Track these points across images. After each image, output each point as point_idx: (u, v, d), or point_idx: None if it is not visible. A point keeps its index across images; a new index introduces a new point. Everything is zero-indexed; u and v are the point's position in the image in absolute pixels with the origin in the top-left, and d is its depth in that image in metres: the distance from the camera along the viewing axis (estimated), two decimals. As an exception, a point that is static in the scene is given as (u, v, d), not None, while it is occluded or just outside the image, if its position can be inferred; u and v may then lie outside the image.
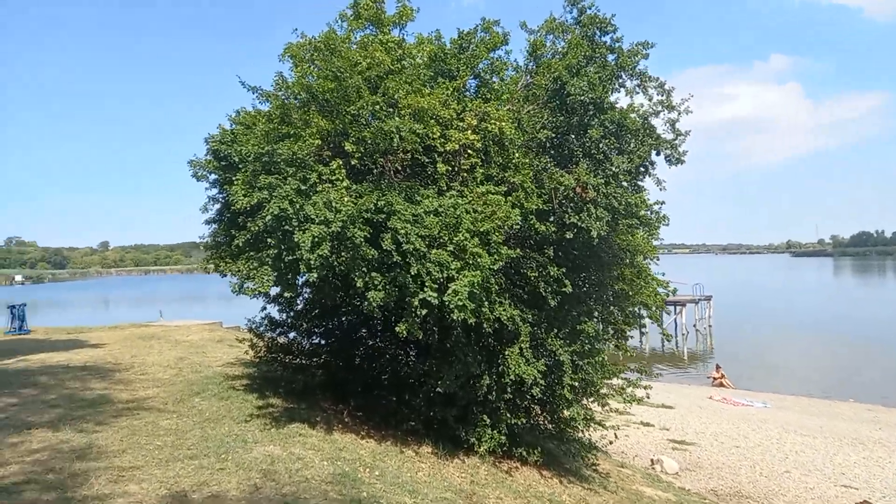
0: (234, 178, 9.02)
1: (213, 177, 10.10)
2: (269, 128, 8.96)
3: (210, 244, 11.64)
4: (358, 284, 8.74)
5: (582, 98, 9.44)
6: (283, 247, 8.38)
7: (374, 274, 8.99)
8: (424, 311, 9.19)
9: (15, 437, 8.45)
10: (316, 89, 9.01)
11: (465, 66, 10.39)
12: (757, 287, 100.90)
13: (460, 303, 8.71)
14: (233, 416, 9.91)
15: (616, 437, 13.89)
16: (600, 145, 9.75)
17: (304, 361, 13.62)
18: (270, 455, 8.12)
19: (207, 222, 11.28)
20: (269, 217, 8.19)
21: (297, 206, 8.32)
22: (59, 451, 7.89)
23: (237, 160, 9.02)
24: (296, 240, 8.19)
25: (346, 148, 9.10)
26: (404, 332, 9.24)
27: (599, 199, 9.51)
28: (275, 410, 10.60)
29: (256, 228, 8.30)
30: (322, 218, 8.22)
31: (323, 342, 13.78)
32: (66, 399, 11.02)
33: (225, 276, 13.95)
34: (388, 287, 9.08)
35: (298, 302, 13.09)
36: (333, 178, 9.08)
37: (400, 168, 9.64)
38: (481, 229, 8.99)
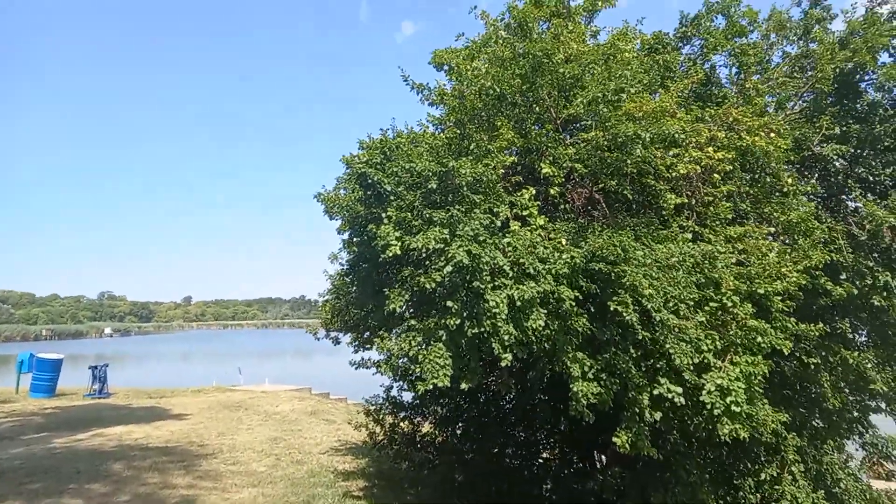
0: (383, 214, 6.32)
1: (346, 213, 7.47)
2: (447, 137, 6.32)
3: (333, 305, 8.95)
4: (573, 372, 5.77)
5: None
6: (464, 314, 5.52)
7: (579, 354, 6.00)
8: (658, 415, 6.12)
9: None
10: (507, 87, 6.33)
11: (690, 62, 7.54)
12: None
13: (735, 408, 5.56)
14: (365, 555, 6.96)
15: None
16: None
17: (432, 455, 10.60)
18: None
19: (333, 279, 8.62)
20: (449, 268, 5.39)
21: (489, 250, 5.51)
22: None
23: (389, 189, 6.35)
24: (488, 303, 5.34)
25: (542, 172, 6.31)
26: (626, 445, 6.13)
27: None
28: (417, 542, 7.59)
29: (431, 285, 5.48)
30: (532, 269, 5.36)
31: (455, 429, 10.73)
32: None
33: (339, 343, 11.41)
34: (601, 376, 6.07)
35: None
36: (525, 212, 6.27)
37: (614, 201, 6.75)
38: (759, 290, 5.88)
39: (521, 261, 5.46)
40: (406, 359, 5.96)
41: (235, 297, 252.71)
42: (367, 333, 10.30)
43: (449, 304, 5.43)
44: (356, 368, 10.56)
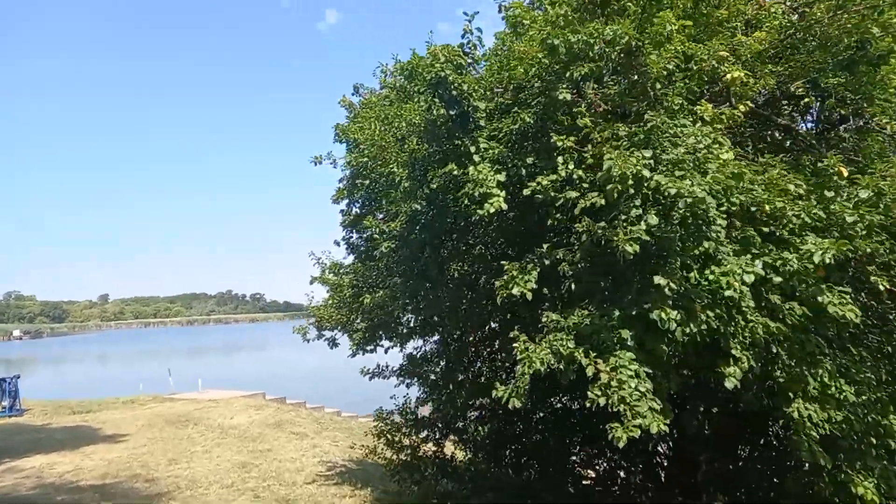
0: (472, 147, 4.00)
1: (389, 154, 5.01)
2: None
3: (346, 297, 6.48)
4: (826, 385, 3.59)
5: None
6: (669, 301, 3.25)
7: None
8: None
9: None
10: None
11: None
12: None
13: None
14: None
15: None
16: None
17: (462, 485, 8.30)
18: None
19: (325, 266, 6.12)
20: (652, 219, 3.11)
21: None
22: None
23: (482, 106, 4.01)
24: (725, 278, 3.11)
25: (729, 77, 4.08)
26: (875, 497, 4.03)
27: None
28: None
29: (632, 248, 3.14)
30: (809, 217, 3.16)
31: (495, 452, 8.46)
32: None
33: (337, 345, 8.87)
34: (829, 391, 3.95)
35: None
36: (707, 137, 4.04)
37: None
38: None
39: (767, 207, 3.22)
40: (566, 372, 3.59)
41: (157, 293, 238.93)
42: (380, 332, 7.89)
43: (657, 280, 3.12)
44: (370, 378, 8.17)
